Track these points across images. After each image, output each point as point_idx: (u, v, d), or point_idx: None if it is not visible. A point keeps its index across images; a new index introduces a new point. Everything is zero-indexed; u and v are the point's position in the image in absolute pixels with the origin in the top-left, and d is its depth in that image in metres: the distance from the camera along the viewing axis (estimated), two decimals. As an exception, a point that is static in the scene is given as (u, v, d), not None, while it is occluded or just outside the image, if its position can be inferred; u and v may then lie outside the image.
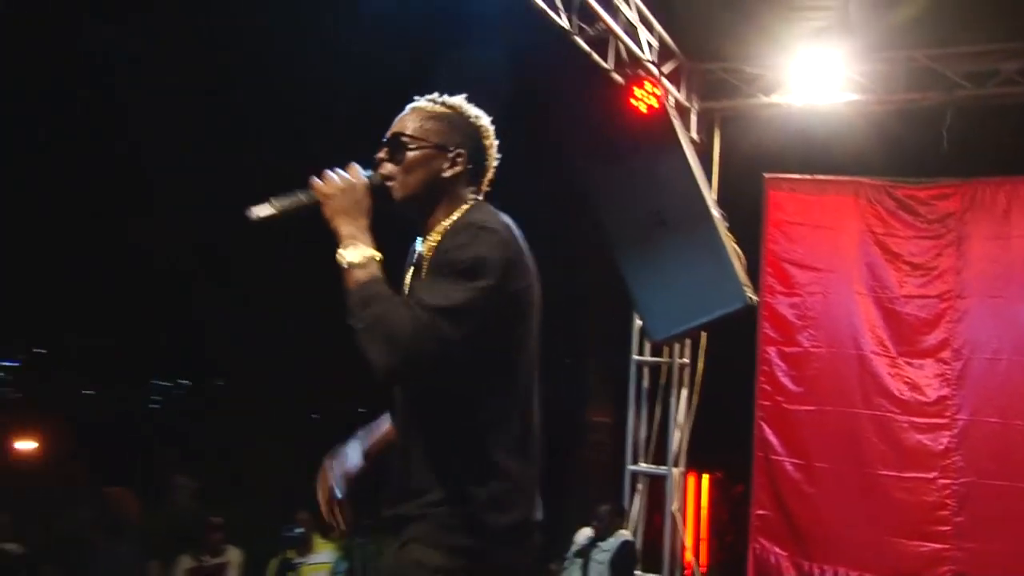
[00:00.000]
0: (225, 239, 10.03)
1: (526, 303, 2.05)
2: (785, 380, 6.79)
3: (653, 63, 6.38)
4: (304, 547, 6.50)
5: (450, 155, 2.13)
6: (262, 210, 2.05)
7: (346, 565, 6.43)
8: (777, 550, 6.68)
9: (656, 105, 6.14)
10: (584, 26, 5.98)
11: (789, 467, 6.74)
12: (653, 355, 6.98)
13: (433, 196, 2.12)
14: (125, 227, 10.61)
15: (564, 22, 5.80)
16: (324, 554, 6.55)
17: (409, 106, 2.19)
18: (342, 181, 2.07)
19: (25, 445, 10.81)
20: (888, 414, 6.57)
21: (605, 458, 8.31)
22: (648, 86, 6.18)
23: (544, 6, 5.56)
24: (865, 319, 6.68)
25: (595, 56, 6.19)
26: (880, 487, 6.54)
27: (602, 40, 6.19)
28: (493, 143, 2.22)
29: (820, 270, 6.83)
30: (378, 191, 2.10)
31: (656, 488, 6.87)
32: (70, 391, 13.86)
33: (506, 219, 2.09)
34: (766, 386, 6.80)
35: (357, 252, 1.99)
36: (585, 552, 6.46)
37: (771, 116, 6.98)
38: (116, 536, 6.00)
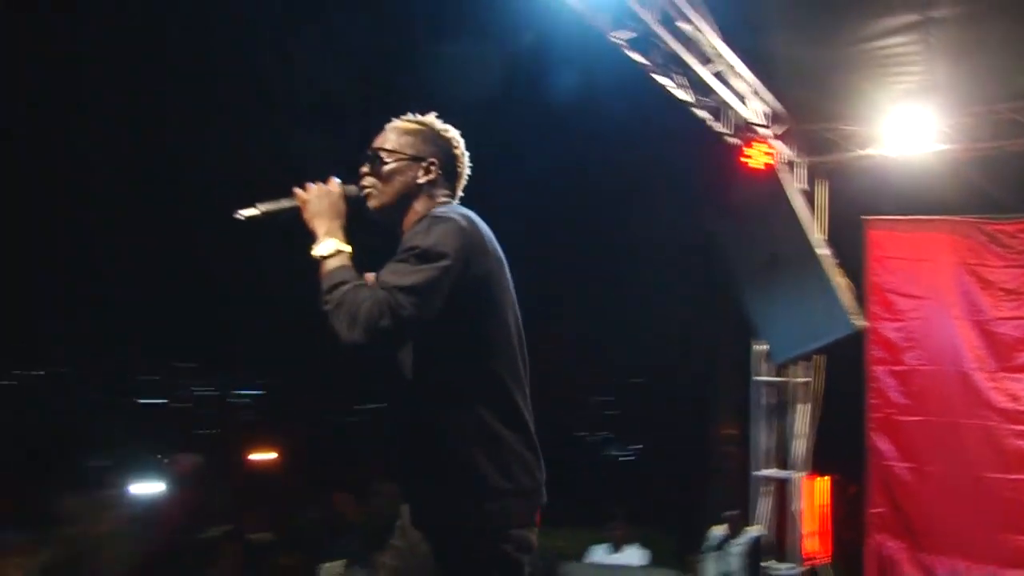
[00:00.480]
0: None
1: (490, 284, 2.23)
2: (894, 395, 7.62)
3: (764, 126, 7.43)
4: None
5: (423, 164, 2.37)
6: (248, 211, 2.32)
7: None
8: (893, 543, 7.45)
9: (767, 163, 7.23)
10: (702, 97, 7.04)
11: (901, 471, 7.53)
12: (776, 375, 7.87)
13: (408, 201, 2.35)
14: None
15: (685, 96, 6.80)
16: None
17: (387, 125, 2.43)
18: (319, 189, 2.32)
19: (266, 456, 12.77)
20: (991, 423, 7.28)
21: (735, 465, 9.16)
22: (760, 147, 7.26)
23: (667, 83, 6.57)
24: (964, 340, 7.43)
25: (713, 123, 7.18)
26: (987, 487, 7.22)
27: (718, 108, 7.17)
28: (463, 152, 2.45)
29: (920, 298, 7.64)
30: (354, 201, 2.36)
31: (780, 490, 7.64)
32: (305, 411, 16.07)
33: (468, 213, 2.29)
34: (876, 400, 7.65)
35: (328, 246, 2.23)
36: (721, 546, 7.53)
37: (870, 166, 7.77)
38: (339, 531, 7.40)
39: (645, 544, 7.51)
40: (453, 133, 2.43)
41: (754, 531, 7.47)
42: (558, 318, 10.42)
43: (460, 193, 2.46)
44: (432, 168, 2.36)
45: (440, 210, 2.26)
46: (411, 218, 2.31)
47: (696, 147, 7.65)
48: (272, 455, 12.57)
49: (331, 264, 2.18)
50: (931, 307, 7.61)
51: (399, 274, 2.08)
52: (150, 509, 7.04)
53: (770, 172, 7.21)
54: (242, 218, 2.28)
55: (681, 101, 6.84)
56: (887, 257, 7.76)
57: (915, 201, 7.80)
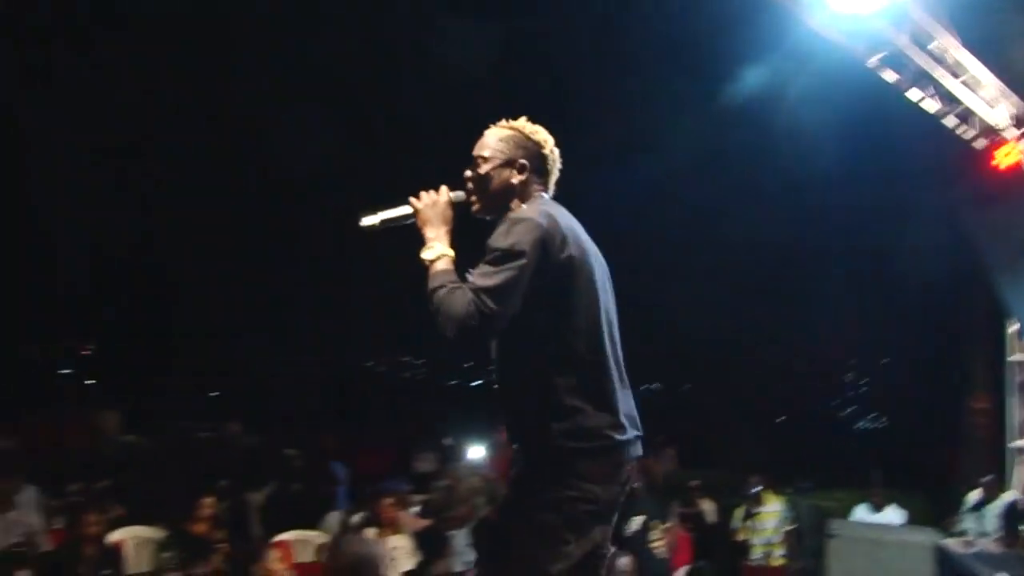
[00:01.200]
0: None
1: (573, 269, 2.37)
2: None
3: (1012, 127, 7.94)
4: (759, 500, 7.82)
5: (516, 166, 2.55)
6: (369, 220, 2.54)
7: (792, 513, 7.72)
8: None
9: (1017, 161, 7.83)
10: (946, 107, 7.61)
11: None
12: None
13: (506, 200, 2.52)
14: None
15: (935, 105, 7.54)
16: (774, 505, 7.77)
17: (486, 132, 2.61)
18: (430, 197, 2.53)
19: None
20: None
21: (987, 436, 9.68)
22: (1008, 147, 7.86)
23: (917, 96, 7.36)
24: None
25: (962, 130, 7.82)
26: None
27: (965, 115, 7.76)
28: (552, 150, 2.61)
29: None
30: (460, 205, 2.54)
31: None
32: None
33: (548, 209, 2.45)
34: None
35: (433, 252, 2.44)
36: (979, 507, 8.00)
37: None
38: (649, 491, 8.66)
39: (902, 506, 8.01)
40: (542, 135, 2.62)
41: (1009, 496, 7.96)
42: (822, 306, 11.15)
43: (552, 186, 2.64)
44: (524, 169, 2.55)
45: (519, 212, 2.44)
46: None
47: (947, 152, 8.16)
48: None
49: (436, 268, 2.41)
50: None
51: (484, 276, 2.30)
52: (485, 469, 8.72)
53: (1018, 169, 7.84)
54: (364, 227, 2.53)
55: (931, 112, 7.56)
56: None
57: None
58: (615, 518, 2.53)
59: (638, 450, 2.53)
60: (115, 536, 6.78)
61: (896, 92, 7.35)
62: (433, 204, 2.53)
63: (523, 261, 2.30)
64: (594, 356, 2.42)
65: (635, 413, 2.51)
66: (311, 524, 7.90)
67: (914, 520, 7.99)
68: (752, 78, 8.98)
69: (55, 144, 13.43)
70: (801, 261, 10.49)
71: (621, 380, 2.50)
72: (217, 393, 16.50)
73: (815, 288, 10.88)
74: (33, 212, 14.99)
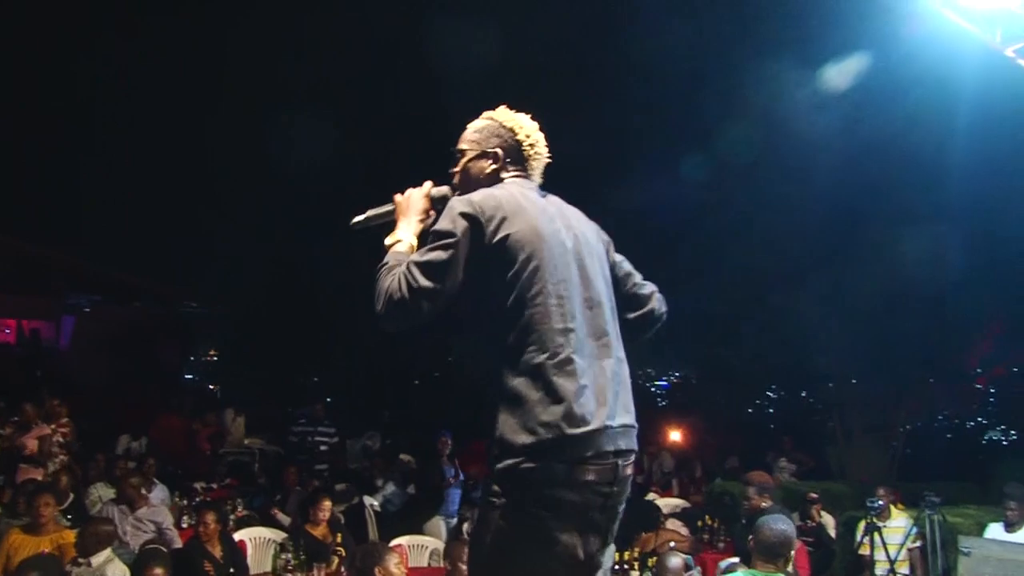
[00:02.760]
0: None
1: (520, 246, 2.28)
2: None
3: None
4: (883, 514, 7.49)
5: (490, 155, 2.57)
6: (358, 218, 2.63)
7: (916, 528, 7.34)
8: None
9: None
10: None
11: None
12: None
13: (481, 187, 2.47)
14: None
15: None
16: (900, 520, 7.51)
17: (468, 125, 2.65)
18: (410, 192, 2.60)
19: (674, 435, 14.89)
20: None
21: None
22: None
23: None
24: None
25: None
26: None
27: None
28: (528, 135, 2.59)
29: None
30: (441, 201, 2.53)
31: None
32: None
33: (507, 190, 2.42)
34: None
35: (394, 237, 2.50)
36: None
37: None
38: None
39: None
40: (516, 122, 2.61)
41: None
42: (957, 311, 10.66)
43: (537, 171, 2.61)
44: (498, 158, 2.57)
45: (462, 196, 2.39)
46: None
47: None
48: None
49: (391, 250, 2.44)
50: None
51: (417, 255, 2.31)
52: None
53: None
54: (353, 224, 2.61)
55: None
56: None
57: None
58: (607, 521, 2.32)
59: (617, 443, 2.27)
60: (238, 536, 7.06)
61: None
62: (409, 198, 2.58)
63: (453, 239, 2.27)
64: (548, 341, 2.24)
65: (623, 402, 2.34)
66: (421, 528, 8.04)
67: (1052, 540, 7.52)
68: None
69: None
70: (934, 261, 10.01)
71: (599, 367, 2.32)
72: (331, 399, 16.95)
73: (948, 292, 10.34)
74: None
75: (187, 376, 24.57)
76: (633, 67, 11.37)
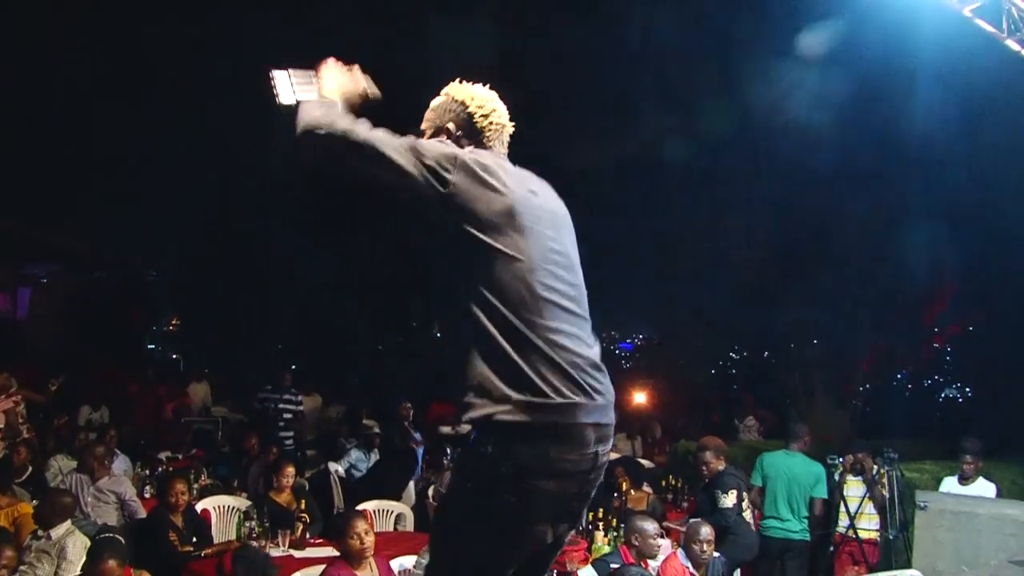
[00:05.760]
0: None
1: (504, 206, 2.21)
2: None
3: None
4: (843, 471, 7.52)
5: (445, 131, 2.50)
6: (284, 91, 2.37)
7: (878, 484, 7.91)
8: None
9: None
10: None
11: None
12: None
13: None
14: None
15: None
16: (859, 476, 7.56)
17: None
18: (349, 68, 2.50)
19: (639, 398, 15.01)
20: None
21: None
22: None
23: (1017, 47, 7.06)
24: None
25: None
26: None
27: None
28: (480, 106, 2.50)
29: None
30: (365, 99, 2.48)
31: None
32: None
33: (470, 153, 2.31)
34: None
35: (325, 91, 2.38)
36: None
37: None
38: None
39: (992, 479, 7.68)
40: (468, 93, 2.53)
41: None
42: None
43: (496, 141, 2.52)
44: (450, 133, 2.50)
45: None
46: None
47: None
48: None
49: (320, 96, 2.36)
50: None
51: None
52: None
53: None
54: (283, 106, 2.36)
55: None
56: None
57: None
58: (579, 507, 2.27)
59: (596, 416, 2.20)
60: (202, 505, 7.03)
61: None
62: (350, 71, 2.49)
63: (422, 155, 2.20)
64: (515, 314, 2.16)
65: (599, 377, 2.24)
66: (393, 495, 8.05)
67: (1005, 493, 7.71)
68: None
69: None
70: (892, 221, 10.12)
71: (578, 337, 2.24)
72: (296, 367, 16.89)
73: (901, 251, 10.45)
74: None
75: (150, 346, 24.32)
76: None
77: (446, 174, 2.19)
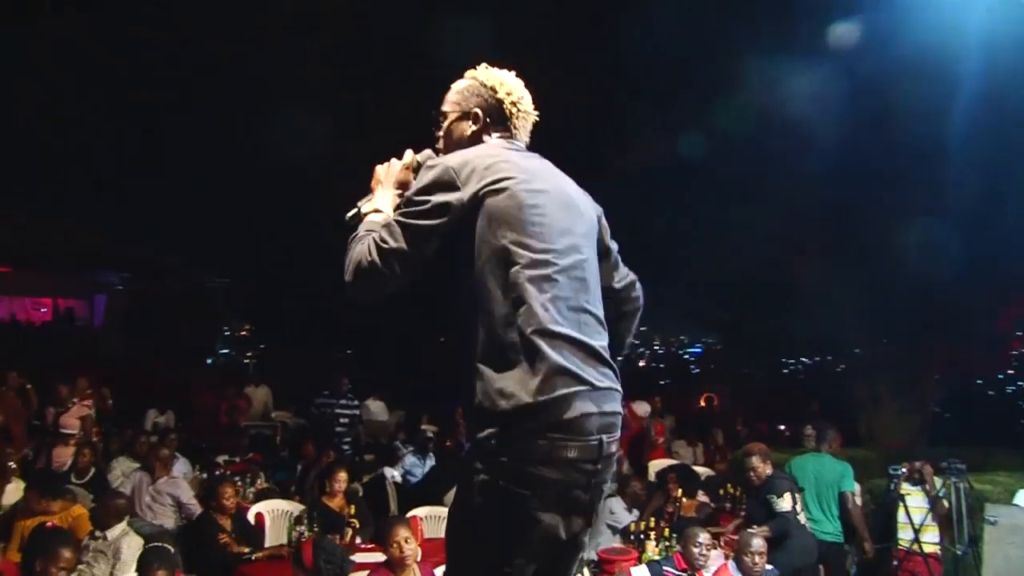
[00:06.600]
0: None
1: (497, 207, 2.18)
2: None
3: None
4: (909, 481, 7.19)
5: (471, 116, 2.48)
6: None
7: (946, 496, 7.02)
8: None
9: None
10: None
11: None
12: None
13: (464, 149, 2.35)
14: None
15: None
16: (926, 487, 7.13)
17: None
18: (388, 163, 2.51)
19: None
20: None
21: None
22: None
23: None
24: None
25: None
26: None
27: None
28: (510, 92, 2.48)
29: None
30: (420, 168, 2.39)
31: None
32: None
33: (483, 151, 2.32)
34: None
35: (370, 205, 2.41)
36: None
37: None
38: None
39: None
40: (498, 79, 2.50)
41: None
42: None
43: (523, 130, 2.51)
44: (478, 118, 2.47)
45: (453, 155, 2.30)
46: None
47: None
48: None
49: (365, 219, 2.35)
50: None
51: (391, 216, 2.27)
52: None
53: None
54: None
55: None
56: None
57: None
58: (591, 501, 2.19)
59: (601, 405, 2.14)
60: (256, 508, 7.12)
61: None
62: (388, 166, 2.50)
63: (425, 202, 2.19)
64: (530, 307, 2.11)
65: (604, 370, 2.19)
66: (442, 499, 8.04)
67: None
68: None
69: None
70: (968, 221, 9.72)
71: (582, 334, 2.17)
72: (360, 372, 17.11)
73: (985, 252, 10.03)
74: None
75: (222, 351, 24.87)
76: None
77: (453, 192, 2.20)
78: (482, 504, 2.10)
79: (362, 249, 2.18)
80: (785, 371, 22.98)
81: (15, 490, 6.74)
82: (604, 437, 2.14)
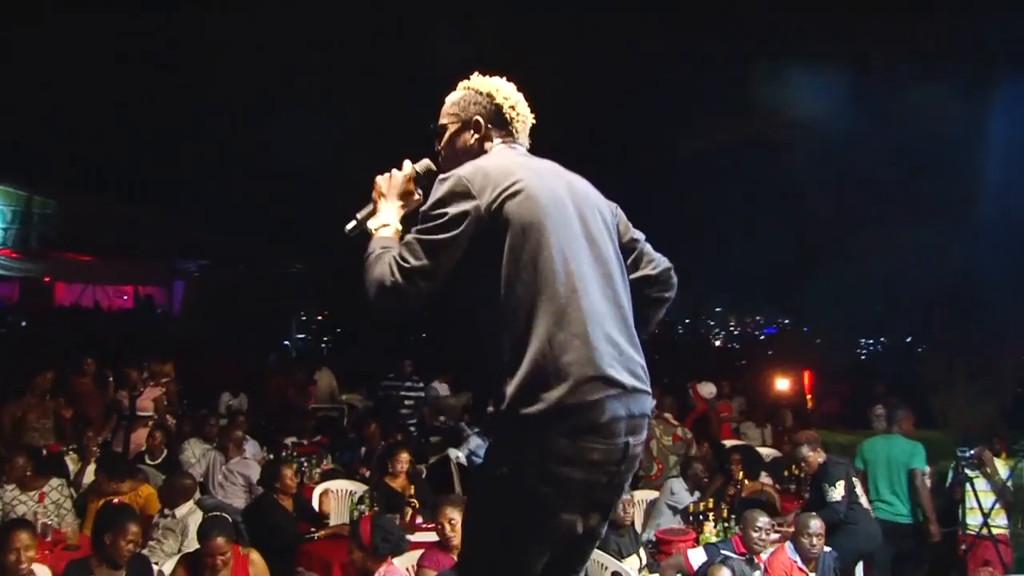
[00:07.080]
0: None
1: (516, 214, 2.16)
2: None
3: None
4: (975, 464, 7.10)
5: (472, 125, 2.48)
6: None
7: (1017, 479, 7.09)
8: None
9: None
10: None
11: None
12: None
13: (470, 159, 2.34)
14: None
15: None
16: (996, 469, 7.09)
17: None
18: (389, 175, 2.49)
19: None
20: None
21: None
22: None
23: None
24: None
25: None
26: None
27: None
28: (507, 97, 2.49)
29: None
30: (425, 176, 2.47)
31: None
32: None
33: (494, 160, 2.32)
34: None
35: (378, 221, 2.40)
36: None
37: None
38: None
39: None
40: (493, 85, 2.51)
41: None
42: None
43: (523, 133, 2.52)
44: (480, 126, 2.47)
45: (463, 167, 2.26)
46: None
47: None
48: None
49: (376, 235, 2.34)
50: None
51: (408, 236, 2.22)
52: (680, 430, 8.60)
53: None
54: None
55: None
56: None
57: None
58: (610, 498, 2.22)
59: (630, 407, 2.14)
60: (321, 487, 7.31)
61: None
62: (389, 178, 2.48)
63: (443, 215, 2.15)
64: (553, 307, 2.10)
65: (632, 369, 2.17)
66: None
67: None
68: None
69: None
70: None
71: (607, 332, 2.16)
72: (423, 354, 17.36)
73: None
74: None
75: (299, 336, 25.38)
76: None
77: (470, 201, 2.17)
78: (503, 499, 2.13)
79: (383, 270, 2.16)
80: (868, 350, 22.44)
81: (94, 472, 7.05)
82: (631, 439, 2.15)
